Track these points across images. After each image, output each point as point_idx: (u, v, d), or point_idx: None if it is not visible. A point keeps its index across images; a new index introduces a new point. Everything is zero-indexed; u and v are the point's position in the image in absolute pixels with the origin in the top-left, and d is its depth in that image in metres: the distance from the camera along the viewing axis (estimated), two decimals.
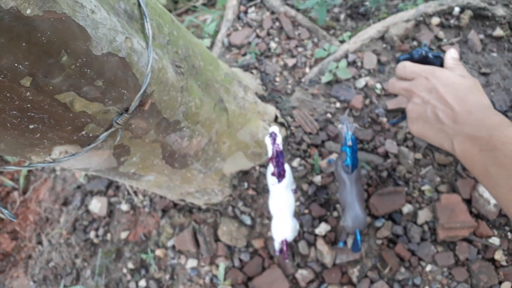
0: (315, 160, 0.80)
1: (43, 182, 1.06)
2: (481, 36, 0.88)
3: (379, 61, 0.89)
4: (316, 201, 0.79)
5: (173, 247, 0.85)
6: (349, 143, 0.65)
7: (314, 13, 1.01)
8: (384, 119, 0.83)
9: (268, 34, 1.00)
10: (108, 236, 0.91)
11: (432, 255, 0.72)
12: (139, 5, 0.39)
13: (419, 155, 0.78)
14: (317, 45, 0.96)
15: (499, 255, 0.70)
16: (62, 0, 0.28)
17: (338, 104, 0.86)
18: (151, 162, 0.55)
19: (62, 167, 0.44)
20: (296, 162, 0.82)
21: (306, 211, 0.79)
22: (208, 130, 0.61)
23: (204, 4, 1.27)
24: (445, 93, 0.52)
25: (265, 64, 0.94)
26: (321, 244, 0.75)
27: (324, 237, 0.76)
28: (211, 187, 0.76)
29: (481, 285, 0.68)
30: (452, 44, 0.88)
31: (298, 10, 1.03)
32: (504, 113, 0.79)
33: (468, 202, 0.74)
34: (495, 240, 0.71)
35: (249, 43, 0.99)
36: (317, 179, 0.80)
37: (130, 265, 0.86)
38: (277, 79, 0.93)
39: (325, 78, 0.88)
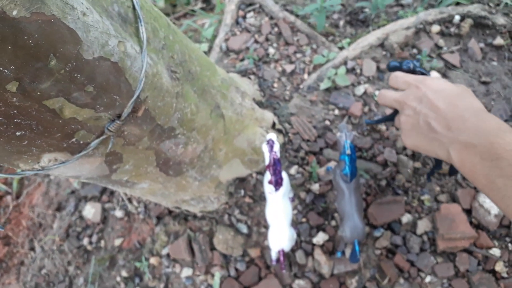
0: (313, 168, 0.79)
1: (36, 186, 1.05)
2: (482, 44, 0.87)
3: (378, 69, 0.88)
4: (314, 210, 0.78)
5: (168, 255, 0.83)
6: (348, 152, 0.64)
7: (313, 19, 1.00)
8: (383, 127, 0.82)
9: (267, 39, 0.99)
10: (102, 243, 0.89)
11: (431, 266, 0.71)
12: (134, 8, 0.38)
13: (418, 164, 0.77)
14: (316, 51, 0.95)
15: (499, 267, 0.68)
16: (51, 1, 0.26)
17: (336, 111, 0.85)
18: (145, 170, 0.53)
19: (52, 174, 0.43)
20: (293, 169, 0.81)
21: (304, 219, 0.78)
22: (204, 137, 0.60)
23: (202, 8, 1.27)
24: (435, 100, 0.51)
25: (263, 69, 0.93)
26: (318, 254, 0.74)
27: (322, 246, 0.75)
28: (206, 194, 0.75)
29: None
30: (452, 52, 0.87)
31: (297, 16, 1.02)
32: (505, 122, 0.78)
33: (468, 212, 0.73)
34: (495, 251, 0.70)
35: (247, 48, 0.98)
36: (315, 187, 0.78)
37: (124, 273, 0.84)
38: (275, 85, 0.91)
39: (323, 85, 0.87)
